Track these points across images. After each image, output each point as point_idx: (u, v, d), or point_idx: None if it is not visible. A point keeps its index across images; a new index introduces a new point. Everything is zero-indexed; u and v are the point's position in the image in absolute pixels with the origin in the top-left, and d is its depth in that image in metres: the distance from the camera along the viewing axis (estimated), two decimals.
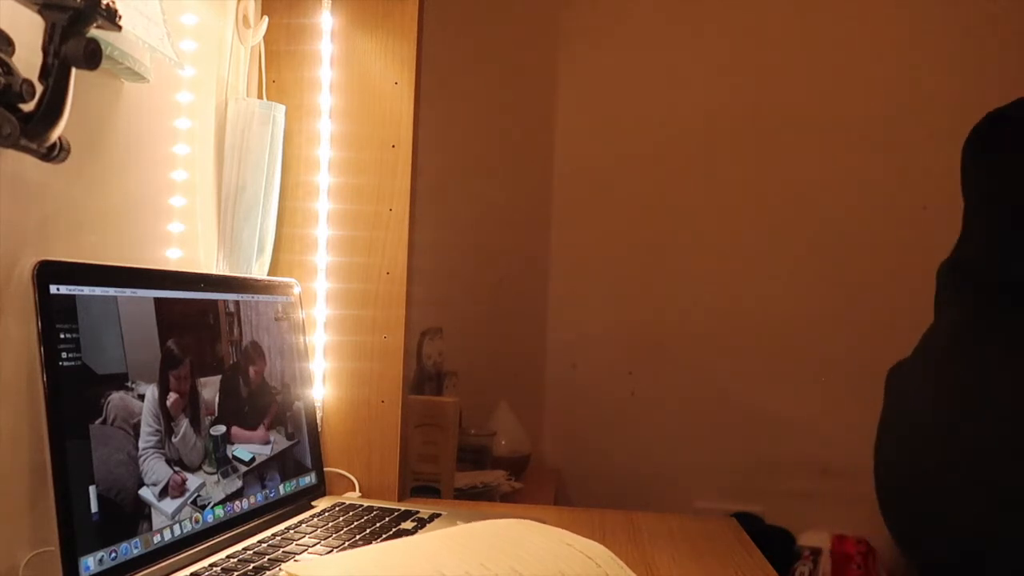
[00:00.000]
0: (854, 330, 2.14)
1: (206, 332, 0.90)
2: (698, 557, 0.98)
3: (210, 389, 0.88)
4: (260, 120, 1.08)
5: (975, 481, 0.75)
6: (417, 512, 1.01)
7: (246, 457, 0.93)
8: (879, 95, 2.17)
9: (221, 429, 0.89)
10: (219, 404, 0.89)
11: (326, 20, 1.15)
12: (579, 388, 2.26)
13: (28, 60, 0.63)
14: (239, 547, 0.84)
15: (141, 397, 0.77)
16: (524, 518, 0.87)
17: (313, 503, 1.04)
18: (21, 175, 0.72)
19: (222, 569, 0.78)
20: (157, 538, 0.76)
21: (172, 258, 0.96)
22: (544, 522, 0.85)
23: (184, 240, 0.98)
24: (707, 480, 2.21)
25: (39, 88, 0.63)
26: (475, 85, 2.28)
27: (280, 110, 1.11)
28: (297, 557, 0.82)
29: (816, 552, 2.11)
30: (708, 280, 2.22)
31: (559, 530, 0.80)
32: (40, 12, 0.64)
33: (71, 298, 0.71)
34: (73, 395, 0.69)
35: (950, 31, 2.15)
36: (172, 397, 0.81)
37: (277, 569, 0.78)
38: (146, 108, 0.91)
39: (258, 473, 0.94)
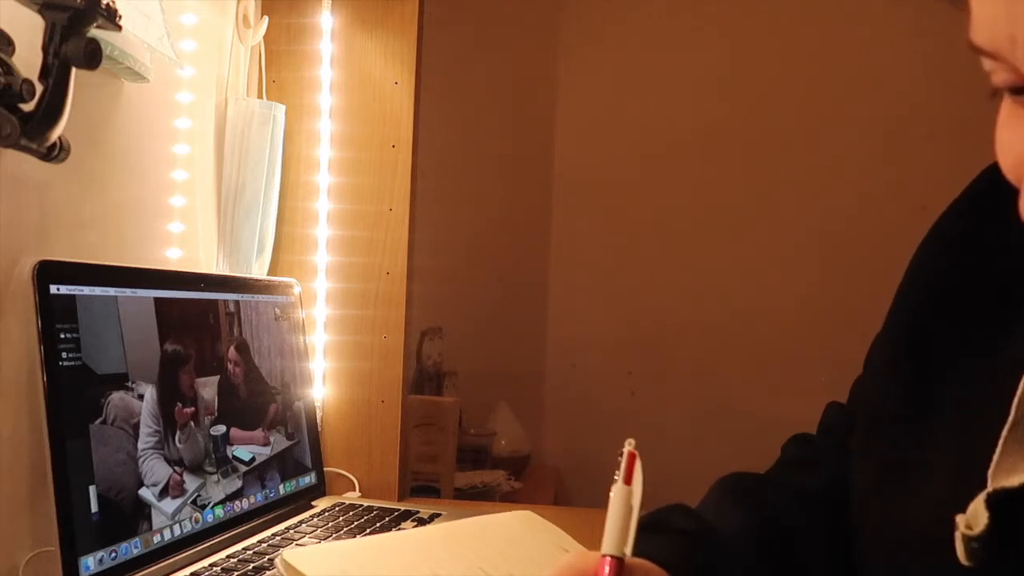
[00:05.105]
0: (854, 330, 2.13)
1: (206, 332, 0.90)
2: None
3: (210, 389, 0.88)
4: (260, 120, 1.08)
5: None
6: (417, 512, 1.01)
7: (246, 457, 0.93)
8: (879, 96, 2.17)
9: (221, 429, 0.89)
10: (219, 404, 0.89)
11: (326, 20, 1.15)
12: (579, 388, 2.26)
13: (28, 60, 0.63)
14: (239, 547, 0.84)
15: (141, 397, 0.77)
16: None
17: (313, 503, 1.04)
18: (21, 175, 0.72)
19: (222, 569, 0.78)
20: (157, 538, 0.76)
21: (172, 258, 0.96)
22: None
23: (184, 240, 0.98)
24: (707, 480, 2.20)
25: (39, 88, 0.63)
26: (475, 85, 2.27)
27: (280, 110, 1.11)
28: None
29: None
30: (708, 280, 2.22)
31: (557, 531, 0.80)
32: (40, 12, 0.64)
33: (71, 298, 0.71)
34: (73, 395, 0.69)
35: (950, 32, 2.15)
36: (172, 397, 0.81)
37: (276, 560, 0.78)
38: (146, 108, 0.91)
39: (258, 473, 0.94)
